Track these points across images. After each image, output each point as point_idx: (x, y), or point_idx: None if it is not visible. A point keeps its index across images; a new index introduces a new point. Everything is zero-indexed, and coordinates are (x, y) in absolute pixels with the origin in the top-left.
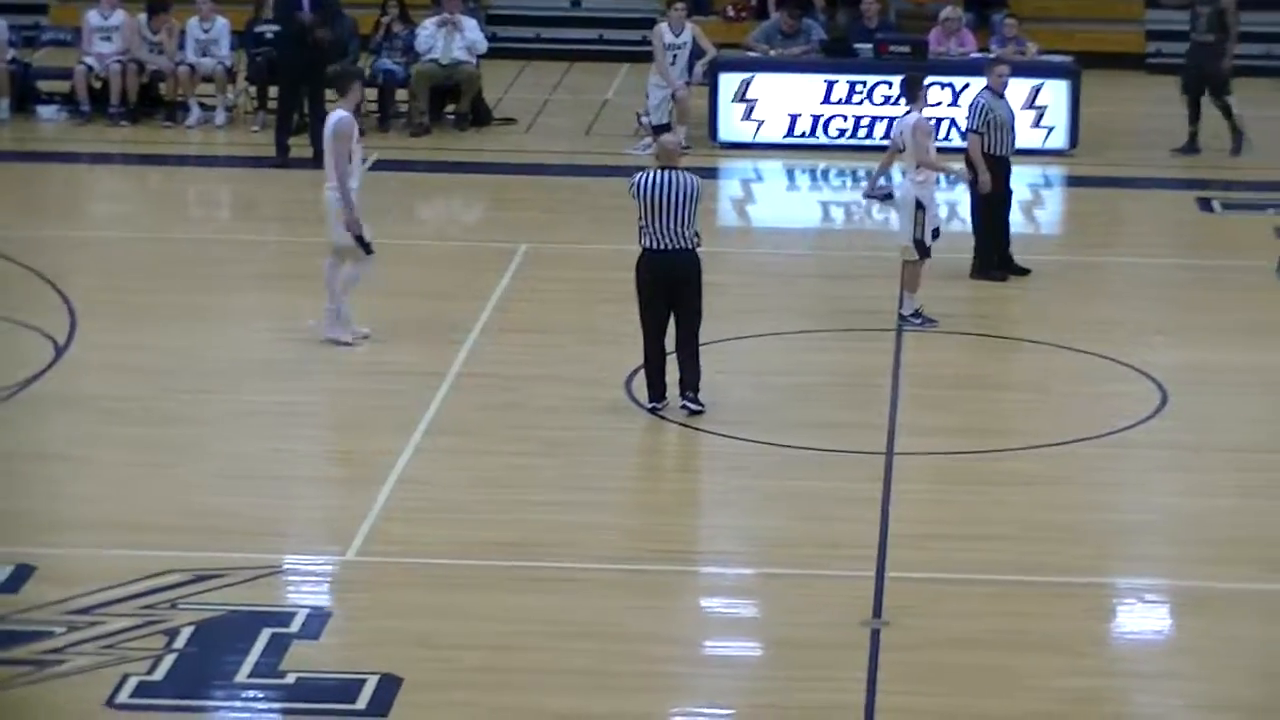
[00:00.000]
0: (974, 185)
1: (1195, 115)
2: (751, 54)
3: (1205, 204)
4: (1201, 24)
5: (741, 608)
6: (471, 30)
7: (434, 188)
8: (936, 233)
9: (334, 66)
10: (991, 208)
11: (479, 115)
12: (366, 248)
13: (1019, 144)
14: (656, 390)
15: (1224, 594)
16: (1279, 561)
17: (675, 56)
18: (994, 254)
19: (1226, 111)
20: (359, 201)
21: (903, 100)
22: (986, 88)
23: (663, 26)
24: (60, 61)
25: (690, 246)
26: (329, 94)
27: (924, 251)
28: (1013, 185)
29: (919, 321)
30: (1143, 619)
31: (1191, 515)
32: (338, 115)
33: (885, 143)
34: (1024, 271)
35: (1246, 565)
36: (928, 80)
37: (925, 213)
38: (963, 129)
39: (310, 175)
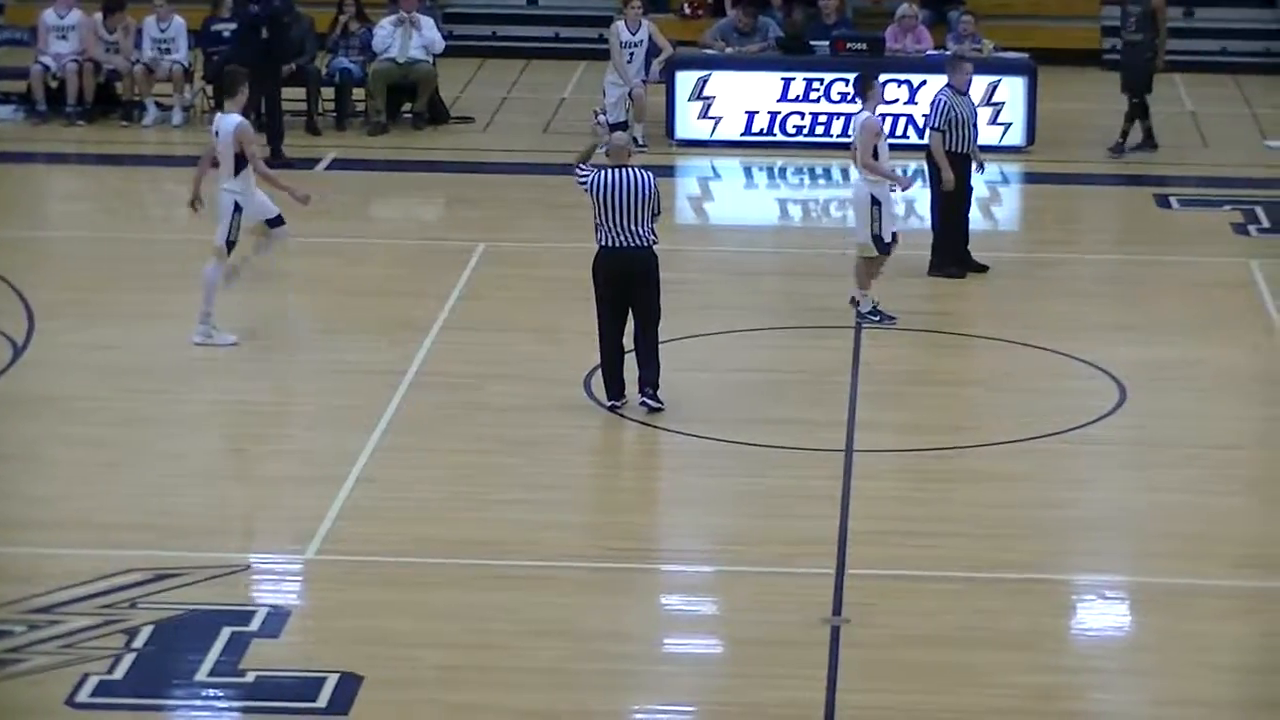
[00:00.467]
0: (935, 182)
1: (1131, 115)
2: (708, 52)
3: (1162, 200)
4: (1131, 23)
5: (702, 605)
6: (428, 29)
7: (391, 187)
8: (895, 236)
9: (287, 66)
10: (952, 205)
11: (436, 114)
12: (230, 246)
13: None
14: (614, 388)
15: (1184, 590)
16: (1238, 557)
17: (632, 54)
18: (952, 251)
19: (1143, 111)
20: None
21: (857, 99)
22: (949, 85)
23: (619, 24)
24: (16, 61)
25: (646, 244)
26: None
27: (883, 248)
28: (971, 182)
29: (877, 318)
30: (1102, 615)
31: (1151, 511)
32: (236, 120)
33: (845, 140)
34: (982, 268)
35: (1205, 561)
36: (883, 77)
37: (881, 209)
38: (921, 126)
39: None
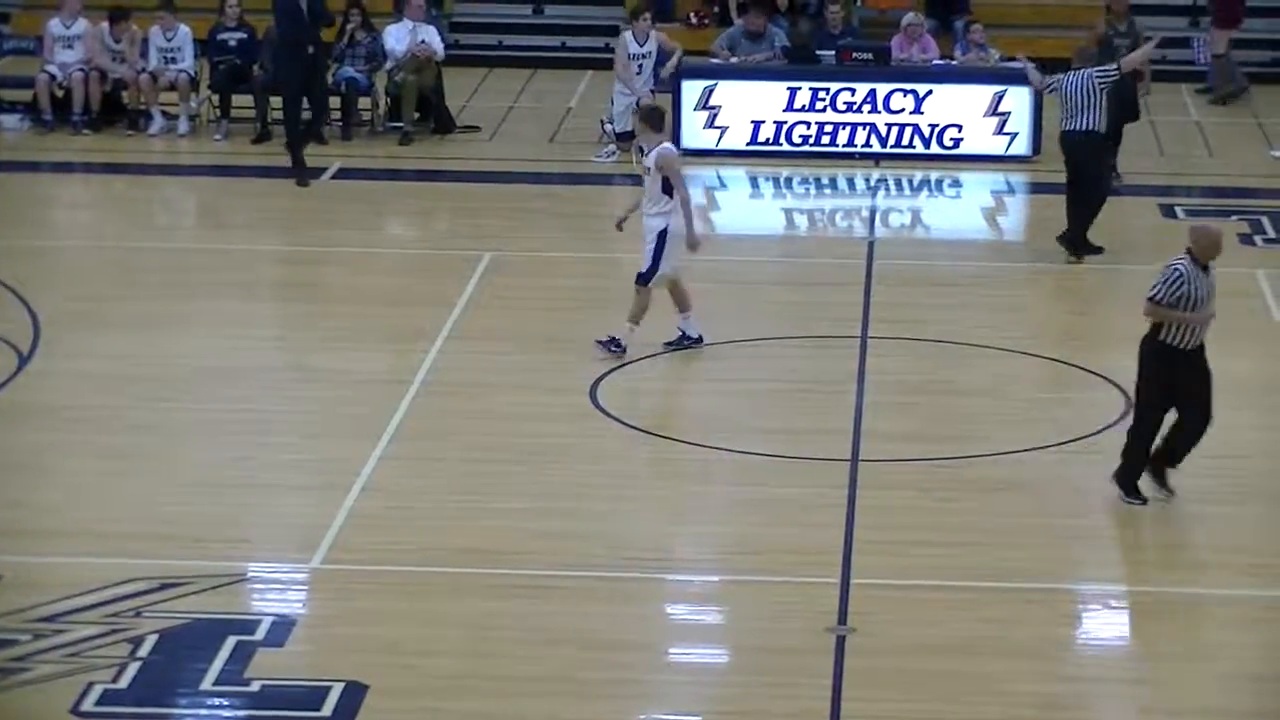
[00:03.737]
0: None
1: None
2: (714, 61)
3: (1168, 210)
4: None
5: (708, 614)
6: (431, 37)
7: (398, 195)
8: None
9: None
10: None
11: (442, 123)
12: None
13: (982, 150)
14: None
15: (1191, 599)
16: (1245, 566)
17: (640, 66)
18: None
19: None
20: None
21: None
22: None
23: (627, 35)
24: (22, 70)
25: None
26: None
27: (644, 280)
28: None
29: (688, 343)
30: (1109, 624)
31: (1158, 520)
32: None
33: (850, 150)
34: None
35: (1213, 570)
36: (889, 87)
37: (667, 242)
38: (926, 136)
39: (268, 184)
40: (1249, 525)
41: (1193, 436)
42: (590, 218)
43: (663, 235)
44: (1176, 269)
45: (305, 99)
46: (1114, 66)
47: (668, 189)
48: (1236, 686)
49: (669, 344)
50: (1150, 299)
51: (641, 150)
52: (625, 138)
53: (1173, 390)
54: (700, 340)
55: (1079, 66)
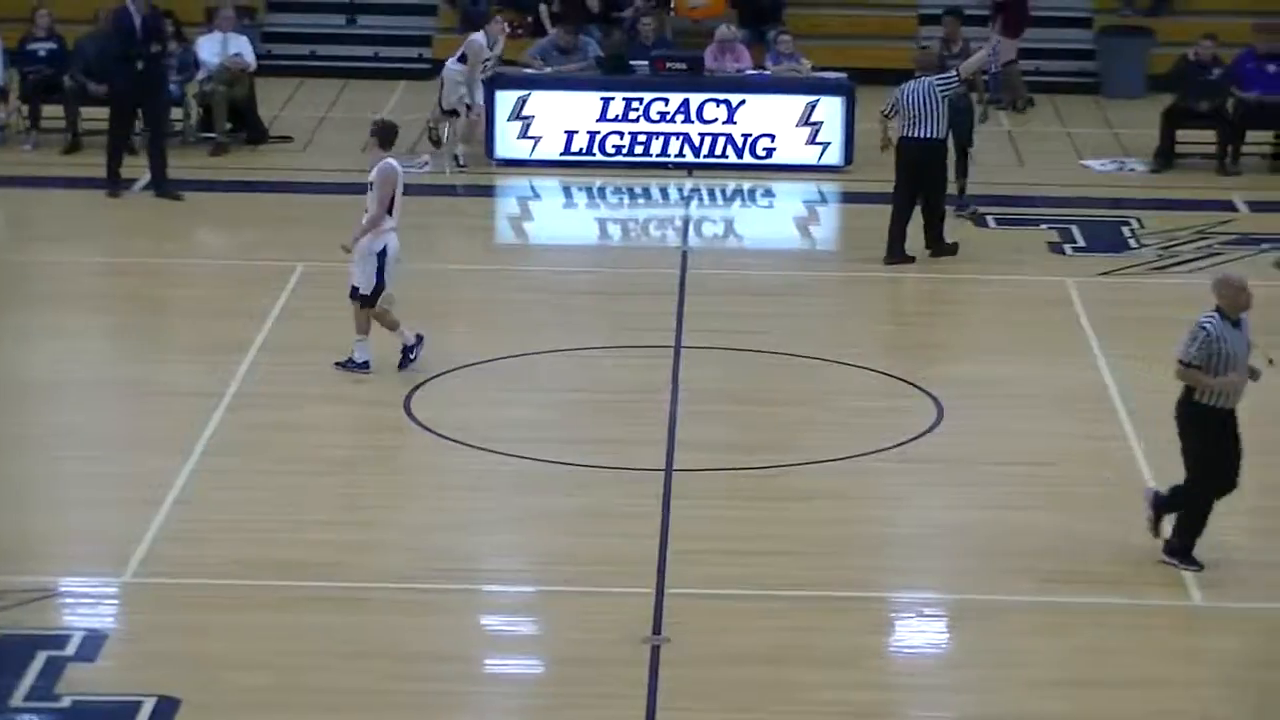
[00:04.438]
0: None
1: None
2: (528, 71)
3: (980, 219)
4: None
5: (522, 625)
6: (242, 47)
7: (209, 207)
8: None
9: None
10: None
11: (255, 133)
12: None
13: (795, 160)
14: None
15: (1000, 605)
16: (1053, 573)
17: (486, 66)
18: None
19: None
20: None
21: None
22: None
23: (478, 36)
24: None
25: None
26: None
27: (370, 300)
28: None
29: (352, 367)
30: (920, 632)
31: (967, 528)
32: None
33: (664, 160)
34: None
35: (1018, 577)
36: (703, 97)
37: (387, 259)
38: (739, 145)
39: (78, 195)
40: (1053, 532)
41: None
42: (405, 229)
43: (382, 254)
44: (1204, 327)
45: (138, 112)
46: (954, 73)
47: (390, 208)
48: (1042, 692)
49: (338, 364)
50: (1179, 361)
51: (457, 159)
52: (451, 115)
53: (1219, 450)
54: (367, 366)
55: (920, 75)
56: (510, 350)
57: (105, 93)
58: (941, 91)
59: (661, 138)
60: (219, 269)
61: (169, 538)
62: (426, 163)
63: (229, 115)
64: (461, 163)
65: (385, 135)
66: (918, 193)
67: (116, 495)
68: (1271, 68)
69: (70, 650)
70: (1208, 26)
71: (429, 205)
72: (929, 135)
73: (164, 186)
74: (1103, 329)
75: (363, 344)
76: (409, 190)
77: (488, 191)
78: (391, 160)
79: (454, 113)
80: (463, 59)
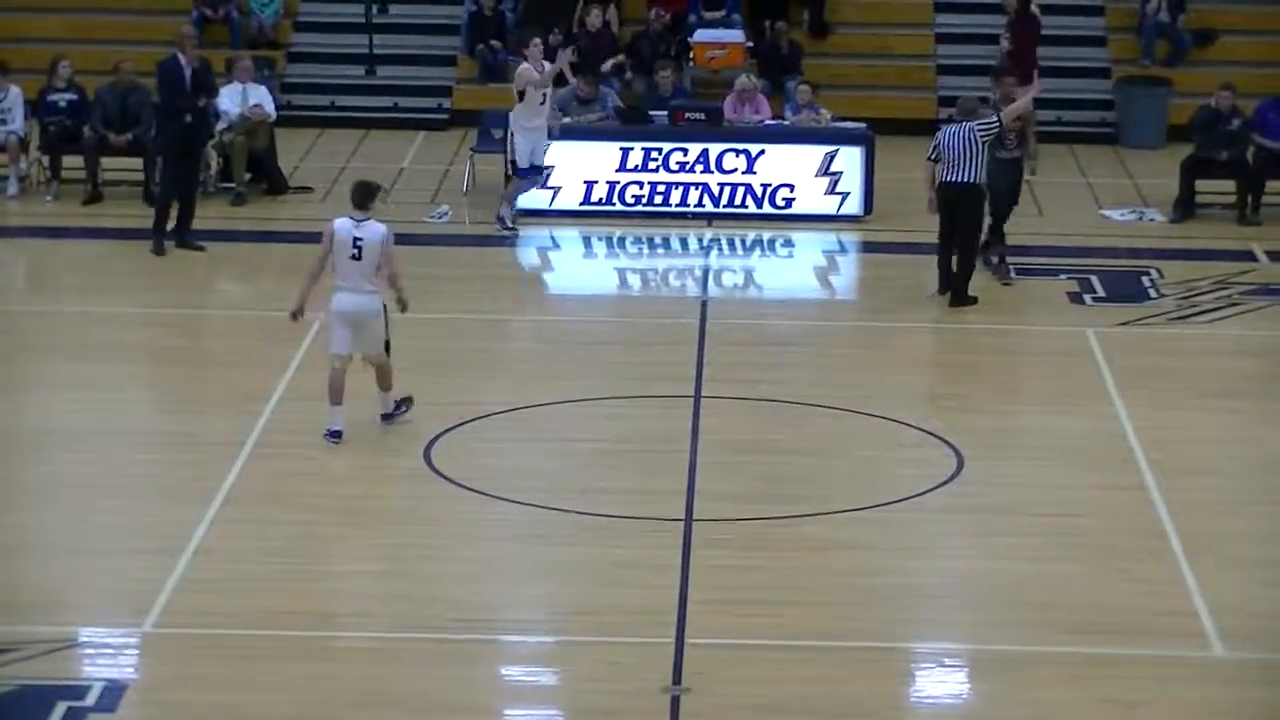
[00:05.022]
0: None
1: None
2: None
3: (1006, 278)
4: (1011, 140)
5: (543, 676)
6: (262, 98)
7: (230, 256)
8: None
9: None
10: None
11: (275, 184)
12: None
13: (814, 210)
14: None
15: (1023, 657)
16: (1075, 624)
17: (544, 96)
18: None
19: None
20: None
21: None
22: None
23: (525, 67)
24: None
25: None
26: None
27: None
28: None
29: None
30: (942, 683)
31: (988, 579)
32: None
33: (684, 209)
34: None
35: (1041, 628)
36: (722, 147)
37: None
38: (758, 195)
39: (100, 245)
40: (1076, 583)
41: None
42: (424, 279)
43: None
44: None
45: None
46: (994, 118)
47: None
48: None
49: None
50: None
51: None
52: (532, 173)
53: None
54: (405, 405)
55: (960, 119)
56: (531, 400)
57: (126, 144)
58: (982, 136)
59: (681, 188)
60: (240, 319)
61: (189, 588)
62: (446, 212)
63: (248, 165)
64: (510, 225)
65: (353, 194)
66: (955, 235)
67: (137, 545)
68: None
69: (90, 701)
70: (1226, 76)
71: (449, 255)
72: (966, 179)
73: (186, 237)
74: (1123, 379)
75: (384, 396)
76: (432, 240)
77: (506, 242)
78: (338, 219)
79: (522, 170)
80: (521, 96)
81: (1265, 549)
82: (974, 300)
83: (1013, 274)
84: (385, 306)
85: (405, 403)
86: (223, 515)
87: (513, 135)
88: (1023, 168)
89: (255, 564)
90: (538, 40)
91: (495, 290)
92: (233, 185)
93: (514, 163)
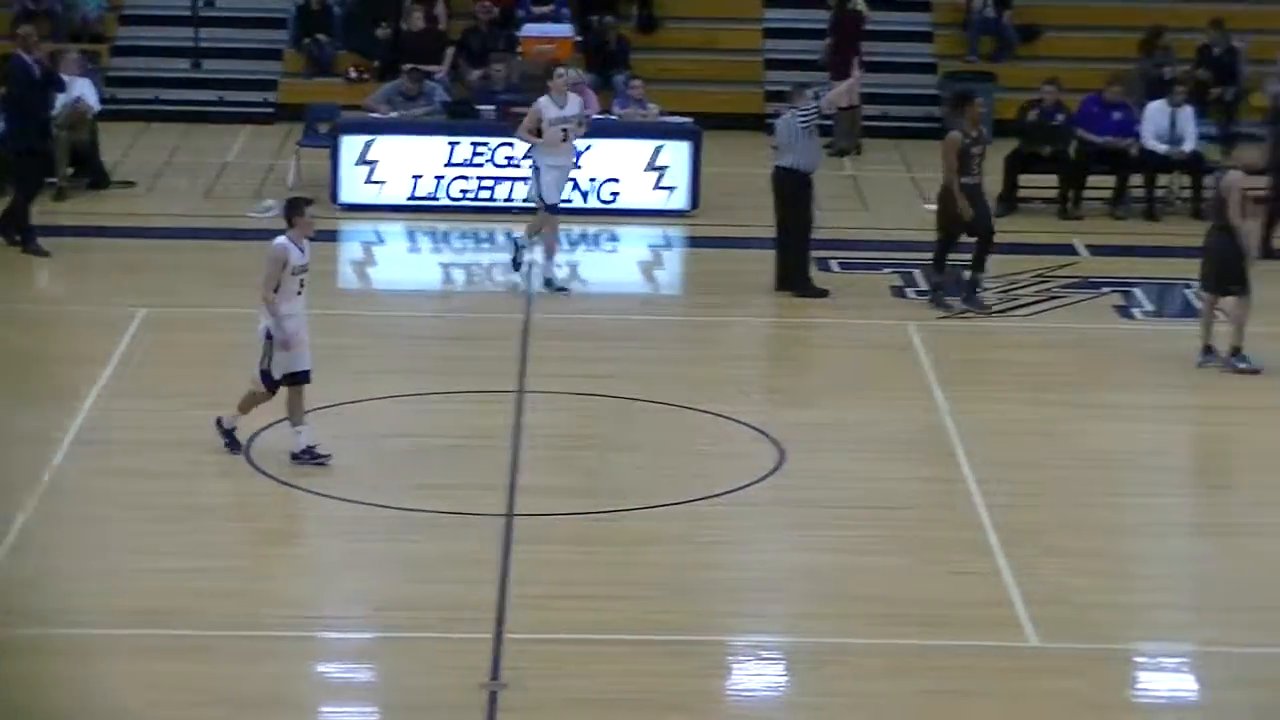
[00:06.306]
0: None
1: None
2: (374, 115)
3: (823, 263)
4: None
5: (361, 672)
6: (86, 92)
7: (51, 251)
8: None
9: None
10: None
11: (97, 178)
12: None
13: (641, 204)
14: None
15: (843, 649)
16: (895, 616)
17: (565, 131)
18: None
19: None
20: None
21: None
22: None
23: (543, 101)
24: None
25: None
26: None
27: (270, 384)
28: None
29: (229, 444)
30: (762, 675)
31: (809, 572)
32: None
33: (509, 204)
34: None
35: (864, 620)
36: None
37: (273, 342)
38: (585, 190)
39: None
40: (895, 575)
41: None
42: (247, 273)
43: (267, 337)
44: None
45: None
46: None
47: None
48: None
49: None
50: None
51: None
52: (554, 210)
53: None
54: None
55: (789, 107)
56: (353, 395)
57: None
58: (801, 123)
59: (508, 183)
60: (59, 314)
61: (8, 587)
62: (271, 207)
63: (70, 160)
64: (560, 285)
65: (284, 210)
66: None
67: None
68: (1116, 114)
69: None
70: (1050, 72)
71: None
72: (788, 165)
73: (6, 231)
74: (943, 372)
75: (302, 430)
76: (257, 235)
77: (332, 237)
78: (281, 238)
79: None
80: (538, 133)
81: (1080, 540)
82: (824, 293)
83: (976, 302)
84: (268, 329)
85: (231, 438)
86: (40, 511)
87: (537, 170)
88: (983, 191)
89: (75, 561)
90: (562, 71)
91: (320, 285)
92: (54, 180)
93: (542, 199)
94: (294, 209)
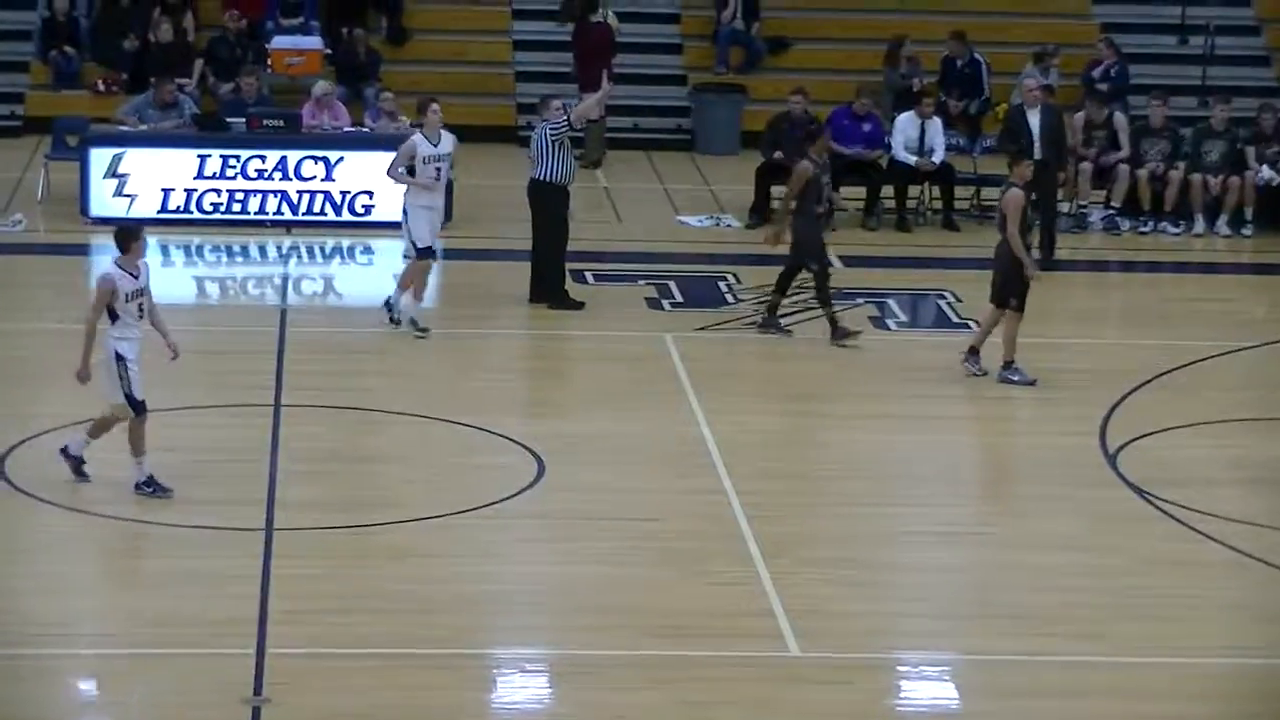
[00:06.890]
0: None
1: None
2: (123, 128)
3: (578, 275)
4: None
5: (120, 689)
6: None
7: None
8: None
9: None
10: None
11: None
12: None
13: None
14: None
15: (603, 660)
16: (655, 627)
17: (439, 169)
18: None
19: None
20: None
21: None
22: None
23: (417, 138)
24: None
25: None
26: None
27: (137, 406)
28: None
29: (150, 489)
30: (521, 689)
31: (569, 584)
32: None
33: (262, 217)
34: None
35: (624, 632)
36: (301, 154)
37: (128, 365)
38: (337, 203)
39: None
40: (656, 586)
41: None
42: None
43: (120, 361)
44: None
45: None
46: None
47: (114, 314)
48: None
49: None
50: None
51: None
52: (427, 254)
53: None
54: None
55: (542, 120)
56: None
57: None
58: (552, 136)
59: (259, 195)
60: None
61: None
62: (20, 220)
63: None
64: (421, 327)
65: (116, 239)
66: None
67: None
68: (866, 126)
69: None
70: (799, 84)
71: (24, 264)
72: (539, 177)
73: None
74: (700, 383)
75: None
76: (6, 250)
77: (83, 251)
78: (108, 269)
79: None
80: (410, 172)
81: (839, 549)
82: (580, 305)
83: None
84: (117, 351)
85: (80, 467)
86: None
87: (406, 213)
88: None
89: None
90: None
91: (70, 301)
92: None
93: (414, 243)
94: (132, 236)
